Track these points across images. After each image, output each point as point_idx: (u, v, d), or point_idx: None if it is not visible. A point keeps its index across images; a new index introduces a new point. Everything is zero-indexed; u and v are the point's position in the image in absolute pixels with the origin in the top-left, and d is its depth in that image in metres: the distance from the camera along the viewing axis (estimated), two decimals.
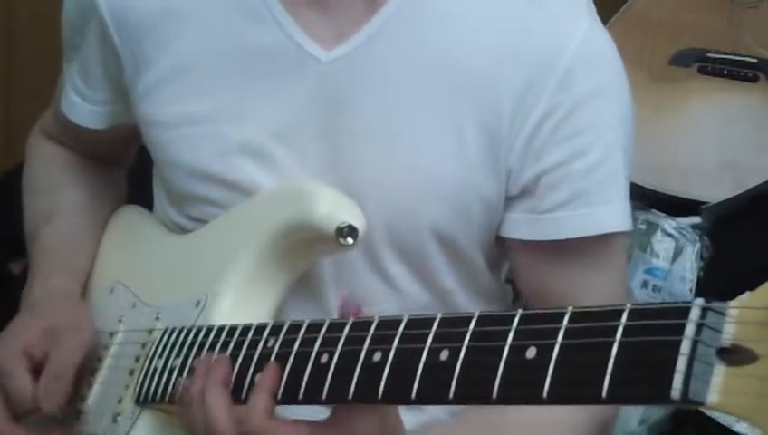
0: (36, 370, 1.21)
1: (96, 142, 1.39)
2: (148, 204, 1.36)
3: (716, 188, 2.01)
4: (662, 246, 1.94)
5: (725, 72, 2.08)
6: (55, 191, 1.41)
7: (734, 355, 0.69)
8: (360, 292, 1.20)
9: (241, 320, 1.08)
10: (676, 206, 2.00)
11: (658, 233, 1.94)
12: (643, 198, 1.97)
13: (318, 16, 1.17)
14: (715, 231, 1.94)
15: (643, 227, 1.94)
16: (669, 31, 2.12)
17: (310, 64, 1.16)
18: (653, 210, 1.97)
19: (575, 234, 1.16)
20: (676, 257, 1.94)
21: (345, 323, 0.96)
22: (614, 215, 1.18)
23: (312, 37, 1.16)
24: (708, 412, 1.68)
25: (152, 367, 1.16)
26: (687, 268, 1.92)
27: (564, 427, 1.14)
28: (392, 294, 1.21)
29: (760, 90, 2.06)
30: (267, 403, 0.98)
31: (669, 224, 1.94)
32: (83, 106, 1.33)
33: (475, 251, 1.22)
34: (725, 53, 2.09)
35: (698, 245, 1.93)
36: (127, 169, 1.48)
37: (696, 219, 1.97)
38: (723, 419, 1.64)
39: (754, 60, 2.07)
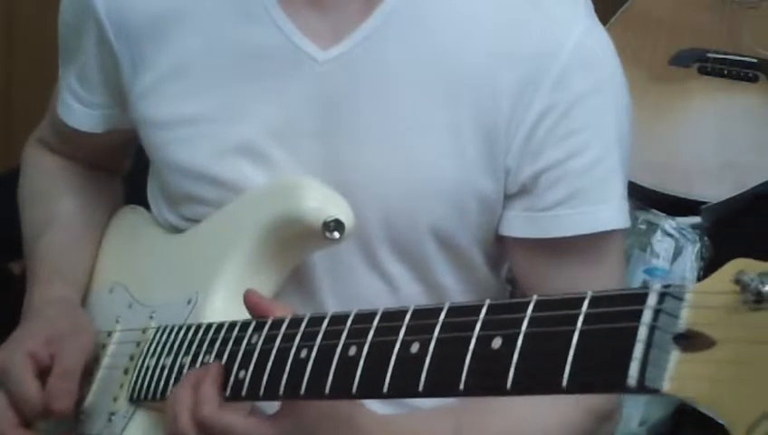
0: (42, 375, 1.21)
1: (93, 147, 1.39)
2: (146, 205, 1.37)
3: (716, 188, 2.00)
4: (662, 246, 1.93)
5: (725, 72, 2.08)
6: (51, 200, 1.40)
7: (692, 341, 0.69)
8: (358, 291, 1.20)
9: (232, 317, 1.08)
10: (676, 206, 2.00)
11: (658, 233, 1.94)
12: (643, 198, 1.96)
13: (315, 16, 1.17)
14: (715, 231, 1.94)
15: (643, 227, 1.94)
16: (669, 31, 2.12)
17: (307, 64, 1.16)
18: (653, 210, 1.97)
19: (574, 232, 1.16)
20: (676, 257, 1.93)
21: (324, 317, 0.96)
22: (612, 212, 1.17)
23: (308, 37, 1.16)
24: (708, 412, 1.67)
25: (145, 365, 1.17)
26: (687, 268, 1.91)
27: (559, 417, 1.14)
28: (390, 294, 1.21)
29: (760, 90, 2.06)
30: (213, 390, 1.01)
31: (669, 224, 1.93)
32: (80, 110, 1.33)
33: (474, 250, 1.22)
34: (725, 53, 2.08)
35: (698, 245, 1.92)
36: (123, 176, 1.49)
37: (696, 219, 1.96)
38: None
39: (754, 60, 2.07)
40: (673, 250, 1.93)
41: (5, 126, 2.57)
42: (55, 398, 1.19)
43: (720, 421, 0.68)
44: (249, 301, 1.06)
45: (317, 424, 1.00)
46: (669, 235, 1.93)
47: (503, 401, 1.09)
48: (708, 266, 1.91)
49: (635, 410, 1.82)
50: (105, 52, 1.26)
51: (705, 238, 1.93)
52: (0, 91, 2.61)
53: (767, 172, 1.98)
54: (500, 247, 1.24)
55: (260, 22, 1.17)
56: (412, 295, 1.21)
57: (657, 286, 0.71)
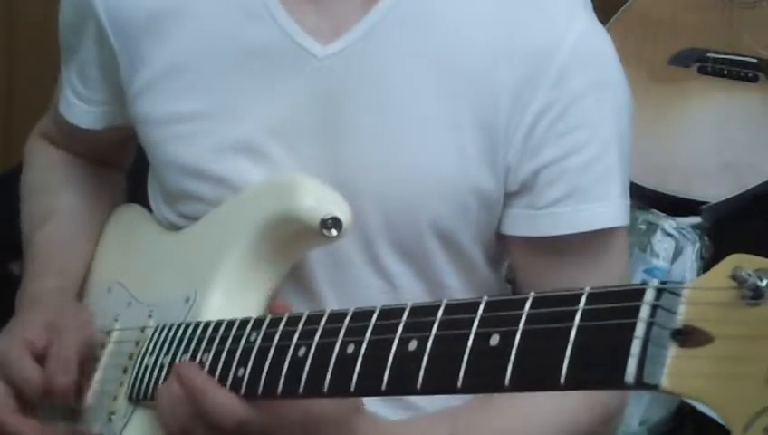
0: (39, 361, 1.21)
1: (94, 143, 1.39)
2: (146, 202, 1.37)
3: (716, 188, 2.01)
4: (662, 246, 1.93)
5: (725, 72, 2.08)
6: (52, 193, 1.41)
7: (689, 336, 0.69)
8: (359, 290, 1.20)
9: (230, 315, 1.08)
10: (676, 206, 2.00)
11: (658, 233, 1.94)
12: (643, 197, 1.96)
13: (314, 11, 1.17)
14: (715, 231, 1.94)
15: (643, 227, 1.94)
16: (669, 31, 2.12)
17: (306, 60, 1.16)
18: (653, 210, 1.97)
19: (572, 230, 1.16)
20: (676, 257, 1.94)
21: (322, 315, 0.96)
22: (611, 210, 1.17)
23: (308, 33, 1.16)
24: (708, 412, 1.66)
25: (143, 364, 1.16)
26: (687, 268, 1.91)
27: (562, 417, 1.14)
28: (391, 292, 1.20)
29: (760, 90, 2.06)
30: (204, 375, 1.03)
31: (669, 224, 1.94)
32: (81, 107, 1.33)
33: (475, 248, 1.21)
34: (725, 53, 2.09)
35: (698, 245, 1.93)
36: (125, 171, 1.49)
37: (696, 219, 1.96)
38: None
39: (754, 60, 2.07)
40: (673, 250, 1.94)
41: (6, 126, 2.57)
42: (55, 378, 1.19)
43: (717, 419, 0.68)
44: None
45: (308, 421, 1.01)
46: (669, 235, 1.93)
47: (503, 400, 1.09)
48: (708, 266, 1.91)
49: (635, 410, 1.82)
50: (104, 49, 1.26)
51: (705, 238, 1.93)
52: (1, 91, 2.61)
53: (767, 172, 1.98)
54: (500, 246, 1.23)
55: (259, 18, 1.17)
56: (413, 294, 1.20)
57: (654, 282, 0.71)
